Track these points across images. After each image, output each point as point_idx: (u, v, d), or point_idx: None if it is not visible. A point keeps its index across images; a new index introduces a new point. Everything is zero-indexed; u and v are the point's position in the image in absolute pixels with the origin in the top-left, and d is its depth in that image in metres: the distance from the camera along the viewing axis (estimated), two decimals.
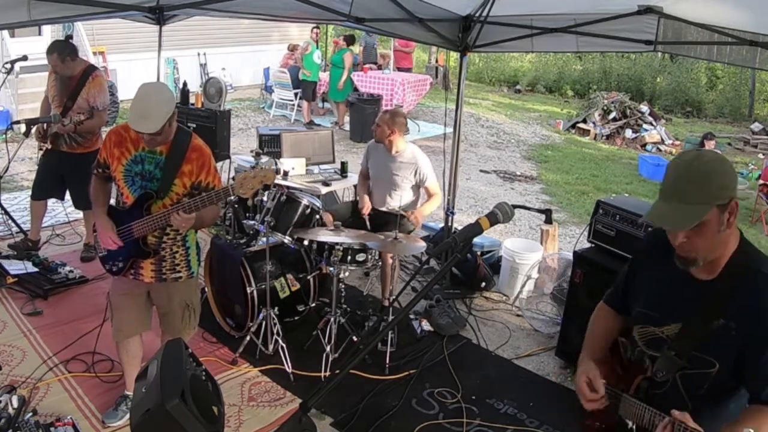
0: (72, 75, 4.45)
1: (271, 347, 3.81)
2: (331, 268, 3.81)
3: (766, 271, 1.62)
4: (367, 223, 4.41)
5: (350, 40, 11.16)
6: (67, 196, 4.90)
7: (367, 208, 4.44)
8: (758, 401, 1.61)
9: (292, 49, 12.12)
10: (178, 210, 2.68)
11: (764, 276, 1.61)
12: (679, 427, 1.53)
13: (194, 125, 5.95)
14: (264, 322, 3.79)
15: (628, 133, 11.96)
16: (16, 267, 4.49)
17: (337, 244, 3.72)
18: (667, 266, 1.73)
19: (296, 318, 4.13)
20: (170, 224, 2.75)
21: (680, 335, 1.73)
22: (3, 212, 5.03)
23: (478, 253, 5.24)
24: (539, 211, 3.54)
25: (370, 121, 5.02)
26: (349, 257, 3.81)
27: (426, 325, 4.33)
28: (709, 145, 9.12)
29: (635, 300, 1.91)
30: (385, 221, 4.40)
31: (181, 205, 2.71)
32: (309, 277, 4.13)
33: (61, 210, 5.46)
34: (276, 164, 4.35)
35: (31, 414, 2.91)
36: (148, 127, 2.61)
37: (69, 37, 4.77)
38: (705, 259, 1.64)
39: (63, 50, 4.39)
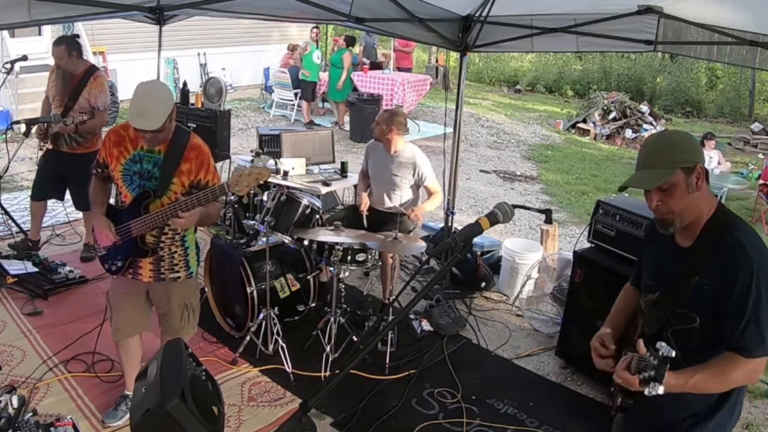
0: (74, 73, 4.46)
1: (271, 347, 3.81)
2: (331, 268, 3.81)
3: (735, 232, 1.79)
4: (365, 220, 4.41)
5: (350, 42, 11.17)
6: (67, 196, 4.91)
7: (365, 204, 4.44)
8: (729, 348, 1.76)
9: (292, 49, 12.12)
10: (176, 211, 2.68)
11: (732, 236, 1.78)
12: (631, 356, 1.72)
13: (194, 125, 5.96)
14: (264, 322, 3.80)
15: (628, 133, 11.97)
16: (16, 267, 4.49)
17: (337, 244, 3.72)
18: (660, 244, 1.99)
19: (296, 318, 4.13)
20: (168, 224, 2.75)
21: (665, 295, 1.93)
22: (3, 212, 5.03)
23: (478, 253, 5.24)
24: (539, 211, 3.55)
25: (370, 121, 5.01)
26: (349, 257, 3.81)
27: (426, 325, 4.33)
28: (709, 145, 9.11)
29: (642, 276, 2.14)
30: (384, 221, 4.40)
31: (178, 203, 2.72)
32: (309, 277, 4.13)
33: (61, 210, 5.46)
34: (275, 164, 4.38)
35: (31, 414, 2.91)
36: (150, 125, 2.61)
37: (76, 36, 4.79)
38: (681, 219, 1.84)
39: (71, 44, 4.42)
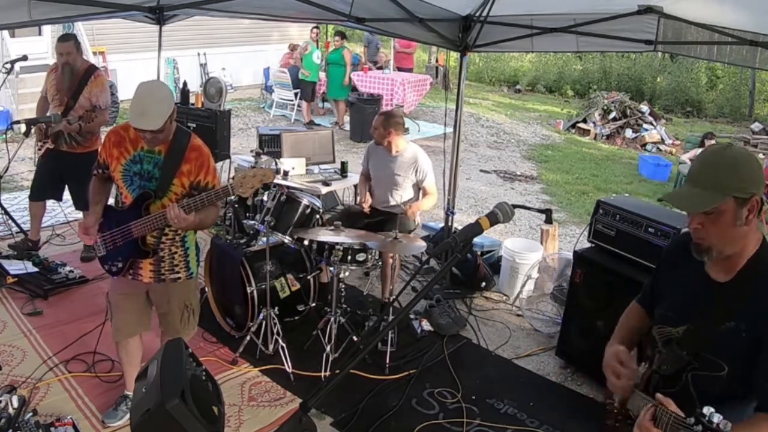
0: (78, 71, 4.47)
1: (271, 347, 3.81)
2: (332, 268, 3.81)
3: None
4: (367, 212, 4.43)
5: (343, 35, 11.13)
6: (66, 196, 4.91)
7: (367, 202, 4.46)
8: (763, 410, 1.57)
9: (293, 49, 12.12)
10: (181, 211, 2.68)
11: None
12: (662, 410, 1.51)
13: (194, 125, 5.96)
14: (264, 322, 3.79)
15: (628, 133, 11.96)
16: (16, 267, 4.49)
17: (337, 244, 3.72)
18: (688, 270, 1.74)
19: (296, 318, 4.13)
20: (169, 224, 2.74)
21: (690, 332, 1.72)
22: (3, 212, 5.03)
23: (478, 253, 5.24)
24: (539, 211, 3.54)
25: (370, 121, 5.01)
26: (349, 257, 3.81)
27: (426, 325, 4.33)
28: (709, 144, 9.13)
29: (659, 302, 1.92)
30: (385, 220, 4.40)
31: (181, 204, 2.71)
32: (309, 277, 4.13)
33: (61, 210, 5.46)
34: (276, 164, 4.38)
35: (31, 414, 2.91)
36: (150, 124, 2.61)
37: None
38: (718, 250, 1.63)
39: (77, 40, 4.47)
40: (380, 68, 12.48)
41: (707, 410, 1.36)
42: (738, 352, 1.61)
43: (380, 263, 4.22)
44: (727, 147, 1.62)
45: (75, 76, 4.46)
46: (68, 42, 4.41)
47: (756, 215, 1.59)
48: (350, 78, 10.72)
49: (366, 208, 4.46)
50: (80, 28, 9.28)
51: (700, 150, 8.03)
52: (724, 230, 1.59)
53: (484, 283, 5.01)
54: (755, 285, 1.61)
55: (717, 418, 1.34)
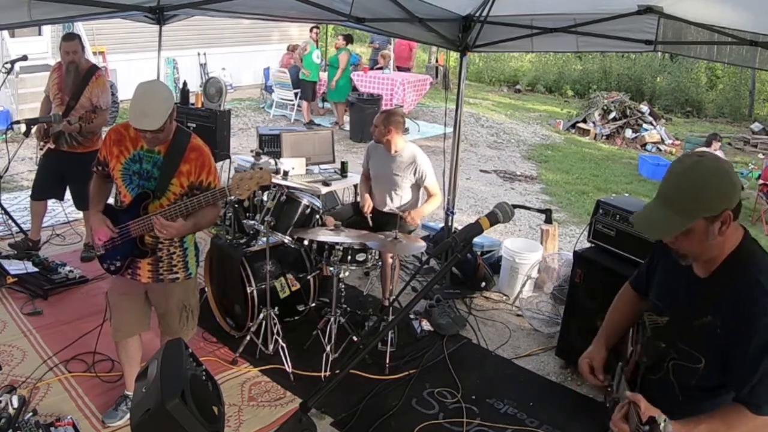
0: (82, 70, 4.47)
1: (271, 347, 3.81)
2: (332, 268, 3.81)
3: (758, 276, 1.62)
4: (369, 221, 4.41)
5: (349, 39, 11.15)
6: (67, 195, 4.91)
7: (368, 206, 4.45)
8: (737, 400, 1.65)
9: (293, 49, 12.13)
10: (158, 214, 2.68)
11: (755, 280, 1.62)
12: (633, 410, 1.60)
13: (194, 125, 5.96)
14: (264, 322, 3.80)
15: (628, 133, 11.97)
16: (16, 267, 4.49)
17: (337, 244, 3.72)
18: (675, 262, 1.77)
19: (296, 318, 4.13)
20: (153, 233, 2.73)
21: (669, 325, 1.81)
22: (3, 212, 5.03)
23: (478, 253, 5.25)
24: (539, 211, 3.55)
25: (370, 121, 5.02)
26: (349, 257, 3.81)
27: (426, 325, 4.33)
28: (716, 146, 9.05)
29: (652, 286, 1.98)
30: (385, 221, 4.40)
31: (177, 205, 2.72)
32: (309, 277, 4.13)
33: (61, 210, 5.46)
34: (275, 164, 4.38)
35: (31, 414, 2.91)
36: (150, 124, 2.61)
37: None
38: (696, 258, 1.71)
39: (81, 39, 4.49)
40: (380, 68, 12.48)
41: (658, 418, 1.52)
42: (714, 347, 1.67)
43: (380, 263, 4.22)
44: (696, 163, 1.61)
45: (79, 75, 4.46)
46: (74, 41, 4.43)
47: (730, 224, 1.61)
48: (337, 82, 10.69)
49: (367, 210, 4.44)
50: (80, 28, 9.26)
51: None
52: (698, 245, 1.64)
53: (484, 283, 5.01)
54: (731, 281, 1.66)
55: (664, 425, 1.50)
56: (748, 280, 1.63)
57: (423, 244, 3.85)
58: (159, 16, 5.05)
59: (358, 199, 4.87)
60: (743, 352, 1.60)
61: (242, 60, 13.36)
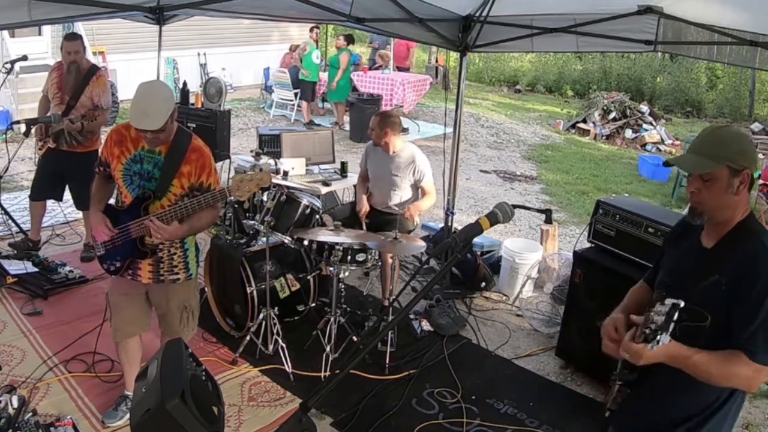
0: (83, 69, 4.47)
1: (271, 347, 3.81)
2: (331, 268, 3.81)
3: (762, 238, 1.79)
4: (364, 225, 4.40)
5: (350, 39, 11.15)
6: (67, 196, 4.91)
7: (364, 211, 4.44)
8: (736, 347, 1.75)
9: (293, 49, 12.13)
10: (152, 217, 2.68)
11: (759, 241, 1.78)
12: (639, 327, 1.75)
13: (194, 125, 5.96)
14: (264, 322, 3.80)
15: (628, 133, 11.95)
16: (16, 267, 4.49)
17: (337, 244, 3.72)
18: (684, 243, 1.99)
19: (296, 318, 4.14)
20: (150, 237, 2.73)
21: (677, 292, 1.88)
22: (3, 212, 5.03)
23: (478, 253, 5.24)
24: (539, 211, 3.54)
25: (369, 121, 5.02)
26: (349, 257, 3.81)
27: (426, 325, 4.33)
28: None
29: (660, 271, 2.12)
30: (385, 221, 4.40)
31: (178, 206, 2.72)
32: (309, 277, 4.13)
33: (61, 210, 5.46)
34: (275, 164, 4.38)
35: (31, 414, 2.91)
36: (151, 124, 2.61)
37: None
38: (710, 215, 1.84)
39: (83, 39, 4.50)
40: (378, 68, 12.49)
41: (666, 300, 1.65)
42: (719, 304, 1.79)
43: (380, 263, 4.22)
44: (726, 125, 1.89)
45: (80, 75, 4.47)
46: (76, 41, 4.44)
47: (747, 188, 1.81)
48: (337, 83, 10.69)
49: (362, 214, 4.43)
50: (80, 28, 9.27)
51: None
52: (717, 196, 1.80)
53: (484, 283, 5.01)
54: (737, 246, 1.81)
55: (671, 299, 1.64)
56: (754, 244, 1.79)
57: (423, 244, 3.85)
58: (159, 16, 5.05)
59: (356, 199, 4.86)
60: (746, 297, 1.73)
61: (242, 60, 13.36)
